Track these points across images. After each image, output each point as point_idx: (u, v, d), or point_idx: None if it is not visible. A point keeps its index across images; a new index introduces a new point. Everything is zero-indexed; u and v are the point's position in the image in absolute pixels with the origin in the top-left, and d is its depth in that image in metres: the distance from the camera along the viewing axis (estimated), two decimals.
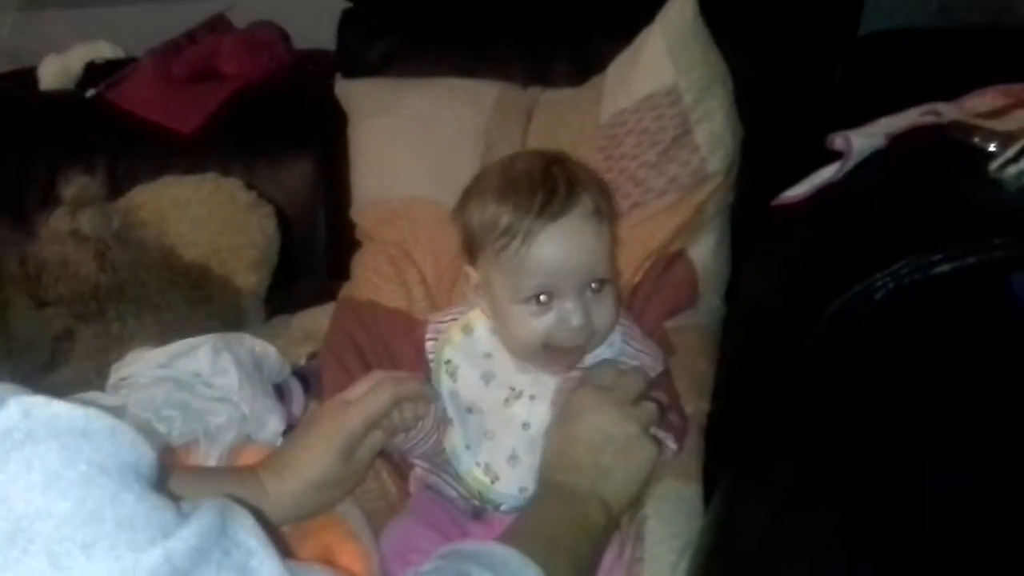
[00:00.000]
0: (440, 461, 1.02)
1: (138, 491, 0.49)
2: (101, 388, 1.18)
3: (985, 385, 0.69)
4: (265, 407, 1.12)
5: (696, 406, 1.06)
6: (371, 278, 1.34)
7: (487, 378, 1.01)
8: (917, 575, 0.59)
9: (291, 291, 1.62)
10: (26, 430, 0.46)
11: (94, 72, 1.88)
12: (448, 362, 1.03)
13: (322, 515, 0.98)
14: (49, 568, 0.46)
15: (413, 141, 1.42)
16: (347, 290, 1.37)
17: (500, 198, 0.96)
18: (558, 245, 0.93)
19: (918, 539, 0.60)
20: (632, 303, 1.20)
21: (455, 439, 1.01)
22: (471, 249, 1.00)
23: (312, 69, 1.86)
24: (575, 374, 0.97)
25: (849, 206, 1.03)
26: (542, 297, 0.95)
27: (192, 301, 1.42)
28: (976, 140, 0.99)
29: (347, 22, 1.71)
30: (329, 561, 0.95)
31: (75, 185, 1.38)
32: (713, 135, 1.23)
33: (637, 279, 1.21)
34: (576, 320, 0.94)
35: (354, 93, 1.54)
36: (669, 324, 1.19)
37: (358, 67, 1.66)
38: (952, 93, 1.13)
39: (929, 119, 1.09)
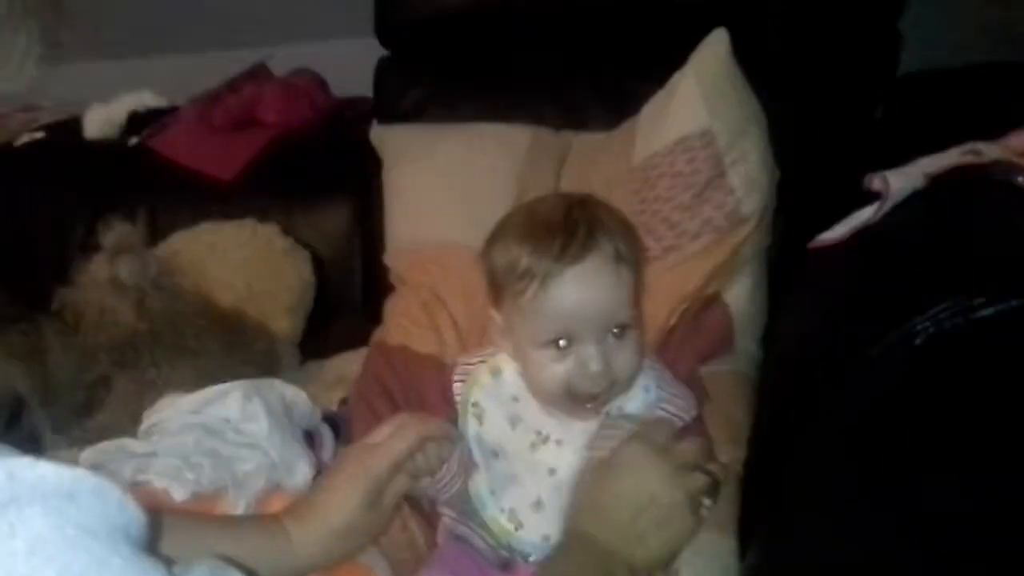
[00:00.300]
0: (468, 509, 1.00)
1: (127, 555, 0.47)
2: (134, 434, 1.18)
3: None
4: (294, 454, 1.11)
5: (731, 455, 1.03)
6: (403, 323, 1.33)
7: (513, 422, 1.00)
8: None
9: (327, 335, 1.63)
10: (10, 493, 0.44)
11: (137, 121, 1.92)
12: (475, 404, 1.02)
13: (347, 564, 0.96)
14: None
15: (447, 186, 1.42)
16: (379, 335, 1.37)
17: (521, 241, 0.95)
18: (576, 290, 0.92)
19: None
20: (667, 348, 1.18)
21: (480, 484, 0.99)
22: (495, 292, 0.99)
23: (349, 116, 1.88)
24: (625, 425, 0.94)
25: (887, 248, 1.00)
26: (561, 342, 0.93)
27: (227, 346, 1.43)
28: (1019, 179, 0.97)
29: (384, 69, 1.74)
30: None
31: (115, 232, 1.40)
32: (748, 177, 1.22)
33: (672, 323, 1.19)
34: (596, 366, 0.92)
35: (389, 139, 1.56)
36: (704, 370, 1.16)
37: (394, 113, 1.68)
38: (993, 131, 1.10)
39: (970, 158, 1.06)
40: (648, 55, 1.42)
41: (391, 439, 0.95)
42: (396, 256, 1.45)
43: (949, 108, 1.35)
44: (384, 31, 1.69)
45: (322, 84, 1.95)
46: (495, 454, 1.00)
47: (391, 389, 1.24)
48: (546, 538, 0.94)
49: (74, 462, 1.12)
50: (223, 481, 1.08)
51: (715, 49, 1.24)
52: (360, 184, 1.67)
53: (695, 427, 1.00)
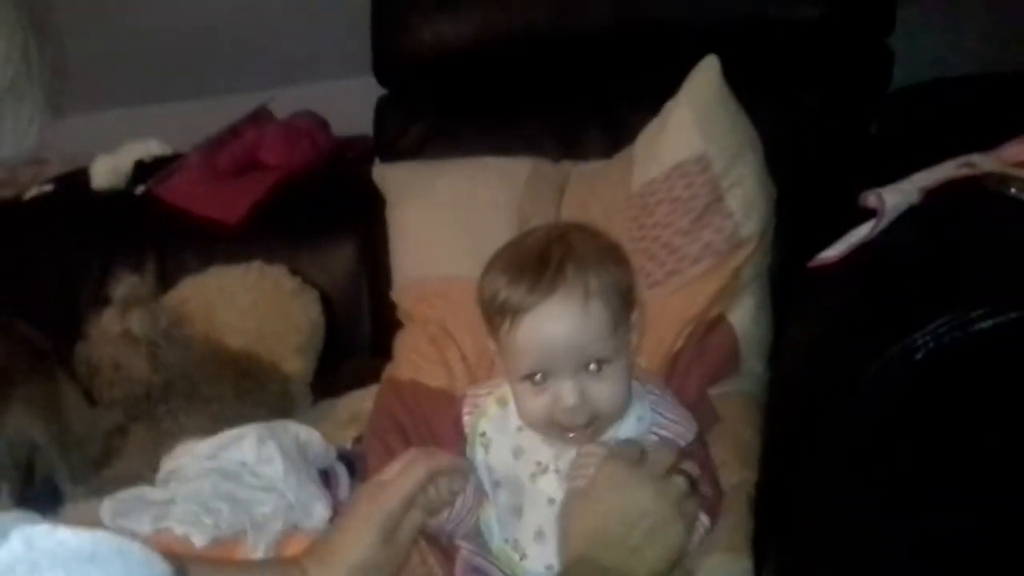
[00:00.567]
0: (481, 541, 1.01)
1: None
2: (152, 482, 1.20)
3: None
4: (311, 494, 1.13)
5: (741, 476, 1.04)
6: (412, 358, 1.35)
7: (517, 453, 1.01)
8: None
9: (338, 374, 1.64)
10: (30, 562, 0.44)
11: (143, 169, 1.94)
12: (483, 435, 1.03)
13: None
14: None
15: (449, 221, 1.44)
16: (389, 371, 1.38)
17: (501, 274, 0.96)
18: (542, 327, 0.92)
19: None
20: (674, 371, 1.18)
21: (488, 514, 1.00)
22: (486, 322, 1.00)
23: (351, 155, 1.91)
24: (596, 449, 0.95)
25: (885, 264, 1.01)
26: (537, 377, 0.94)
27: (240, 391, 1.44)
28: (1012, 191, 0.98)
29: (383, 108, 1.76)
30: None
31: (124, 284, 1.41)
32: (745, 200, 1.23)
33: (678, 347, 1.20)
34: (570, 401, 0.92)
35: (390, 177, 1.57)
36: (712, 392, 1.17)
37: (396, 151, 1.70)
38: (988, 143, 1.11)
39: (964, 171, 1.07)
40: (642, 83, 1.44)
41: (402, 475, 0.96)
42: (402, 292, 1.47)
43: (943, 121, 1.36)
44: (382, 70, 1.71)
45: (323, 124, 1.97)
46: (499, 484, 1.01)
47: (404, 424, 1.25)
48: (549, 568, 0.95)
49: (94, 512, 1.14)
50: (242, 525, 1.09)
51: (707, 75, 1.26)
52: (364, 222, 1.69)
53: (696, 450, 1.00)
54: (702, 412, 1.12)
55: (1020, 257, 0.90)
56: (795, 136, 1.43)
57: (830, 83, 1.51)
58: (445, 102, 1.70)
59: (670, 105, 1.29)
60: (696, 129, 1.24)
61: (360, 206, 1.68)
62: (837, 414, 0.85)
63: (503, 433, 1.02)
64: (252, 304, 1.60)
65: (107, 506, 1.13)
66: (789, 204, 1.30)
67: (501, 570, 1.00)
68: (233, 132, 1.97)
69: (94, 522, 1.12)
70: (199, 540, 1.07)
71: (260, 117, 2.02)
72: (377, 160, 1.69)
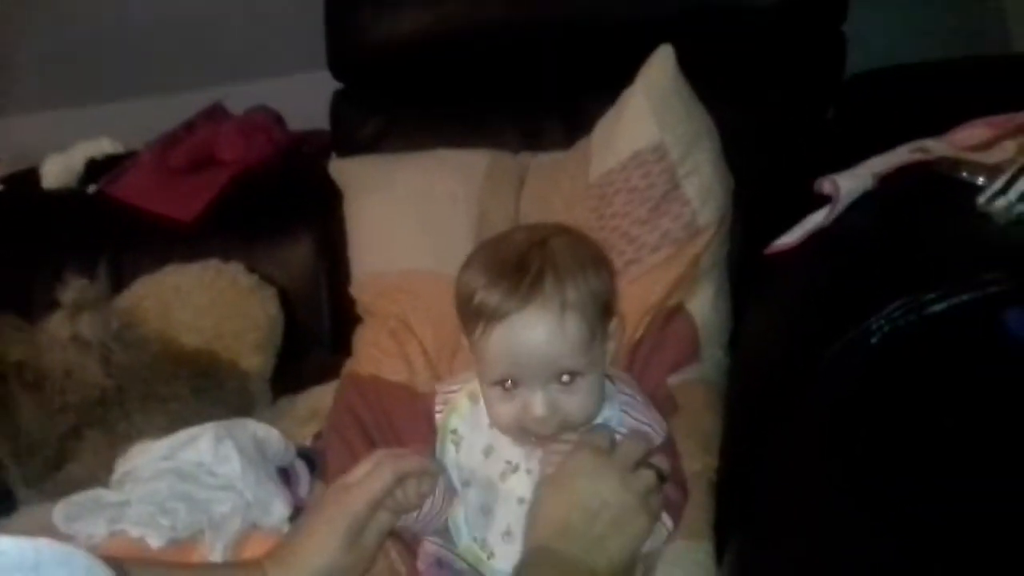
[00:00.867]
0: (449, 537, 1.01)
1: None
2: (106, 483, 1.18)
3: (983, 424, 0.67)
4: (269, 492, 1.12)
5: (704, 463, 1.04)
6: (372, 353, 1.34)
7: (487, 451, 1.00)
8: None
9: (297, 370, 1.62)
10: None
11: (95, 168, 1.91)
12: (454, 431, 1.02)
13: None
14: None
15: (407, 215, 1.42)
16: (349, 366, 1.37)
17: (479, 275, 0.94)
18: (515, 337, 0.91)
19: None
20: (633, 360, 1.18)
21: (457, 512, 0.99)
22: (460, 320, 0.99)
23: (307, 150, 1.89)
24: (570, 435, 0.94)
25: (840, 250, 1.02)
26: (507, 383, 0.93)
27: (197, 390, 1.42)
28: (963, 175, 0.99)
29: (339, 102, 1.74)
30: None
31: (73, 288, 1.38)
32: (702, 188, 1.23)
33: (637, 336, 1.20)
34: (539, 411, 0.91)
35: (347, 171, 1.56)
36: (673, 380, 1.17)
37: (353, 145, 1.68)
38: (940, 128, 1.12)
39: (917, 156, 1.08)
40: (600, 74, 1.44)
41: (368, 478, 0.94)
42: (361, 287, 1.45)
43: (897, 106, 1.38)
44: (337, 64, 1.70)
45: (279, 120, 1.95)
46: (469, 483, 1.00)
47: (364, 420, 1.24)
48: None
49: (47, 516, 1.12)
50: (199, 525, 1.08)
51: (662, 64, 1.26)
52: (322, 217, 1.67)
53: (664, 451, 0.98)
54: (661, 402, 1.12)
55: (971, 240, 0.91)
56: (751, 124, 1.43)
57: (785, 71, 1.51)
58: (402, 95, 1.69)
59: (626, 95, 1.29)
60: (652, 118, 1.24)
61: (317, 201, 1.66)
62: (796, 399, 0.85)
63: (475, 430, 1.01)
64: (209, 302, 1.58)
65: (60, 509, 1.11)
66: (746, 191, 1.30)
67: (467, 563, 0.99)
68: (187, 129, 1.94)
69: (47, 526, 1.10)
70: (156, 542, 1.05)
71: (215, 113, 1.99)
72: (334, 155, 1.67)
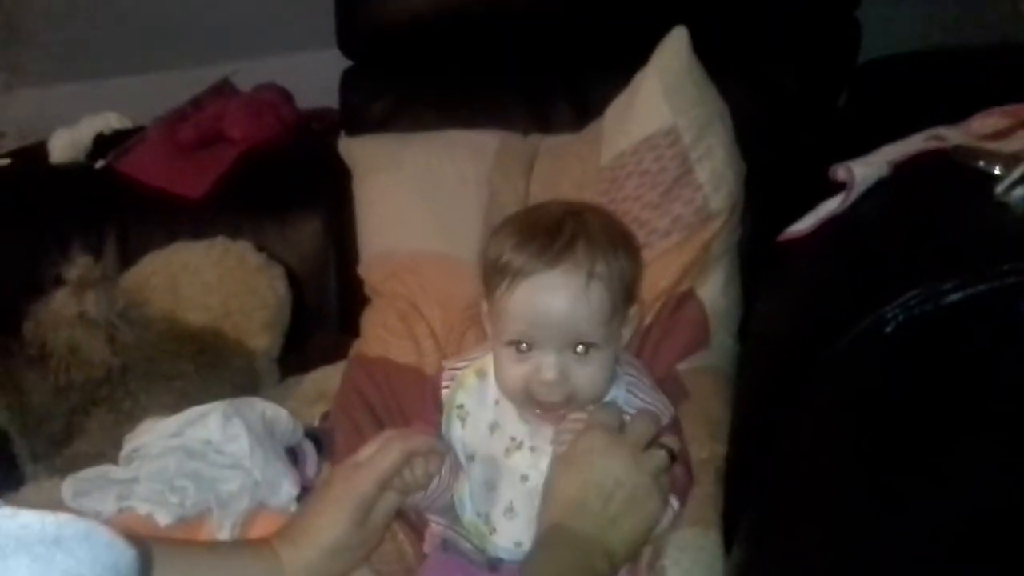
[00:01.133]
0: (455, 515, 1.01)
1: None
2: (114, 459, 1.18)
3: (1000, 415, 0.67)
4: (277, 471, 1.11)
5: (712, 450, 1.04)
6: (380, 334, 1.33)
7: (493, 427, 1.01)
8: None
9: (304, 350, 1.62)
10: None
11: (103, 143, 1.90)
12: (460, 407, 1.03)
13: None
14: None
15: (416, 195, 1.42)
16: (357, 347, 1.37)
17: (509, 237, 0.95)
18: (539, 295, 0.92)
19: None
20: (643, 346, 1.18)
21: (462, 487, 1.00)
22: (484, 282, 0.99)
23: (316, 128, 1.88)
24: (580, 415, 0.95)
25: (855, 238, 1.01)
26: (522, 345, 0.94)
27: (202, 367, 1.42)
28: (980, 163, 0.97)
29: (349, 80, 1.74)
30: None
31: (78, 266, 1.37)
32: (715, 173, 1.22)
33: (647, 321, 1.20)
34: (550, 375, 0.92)
35: (356, 150, 1.55)
36: (682, 366, 1.17)
37: (361, 124, 1.68)
38: (956, 116, 1.11)
39: (932, 144, 1.07)
40: (611, 55, 1.43)
41: (376, 457, 0.95)
42: (370, 267, 1.45)
43: (912, 94, 1.36)
44: (347, 42, 1.69)
45: (288, 97, 1.95)
46: (473, 458, 1.00)
47: (372, 401, 1.24)
48: (518, 544, 0.95)
49: (55, 491, 1.12)
50: (207, 503, 1.08)
51: (675, 47, 1.25)
52: (331, 196, 1.66)
53: (668, 431, 0.99)
54: (671, 387, 1.12)
55: (989, 230, 0.90)
56: (764, 109, 1.43)
57: (798, 56, 1.51)
58: (412, 74, 1.68)
59: (639, 77, 1.28)
60: (665, 101, 1.23)
61: (326, 180, 1.65)
62: (807, 387, 0.85)
63: (481, 405, 1.02)
64: (217, 280, 1.57)
65: (69, 485, 1.11)
66: (758, 178, 1.30)
67: (471, 542, 0.99)
68: (196, 105, 1.94)
69: (55, 501, 1.11)
70: (164, 519, 1.05)
71: (223, 90, 1.99)
72: (343, 133, 1.66)
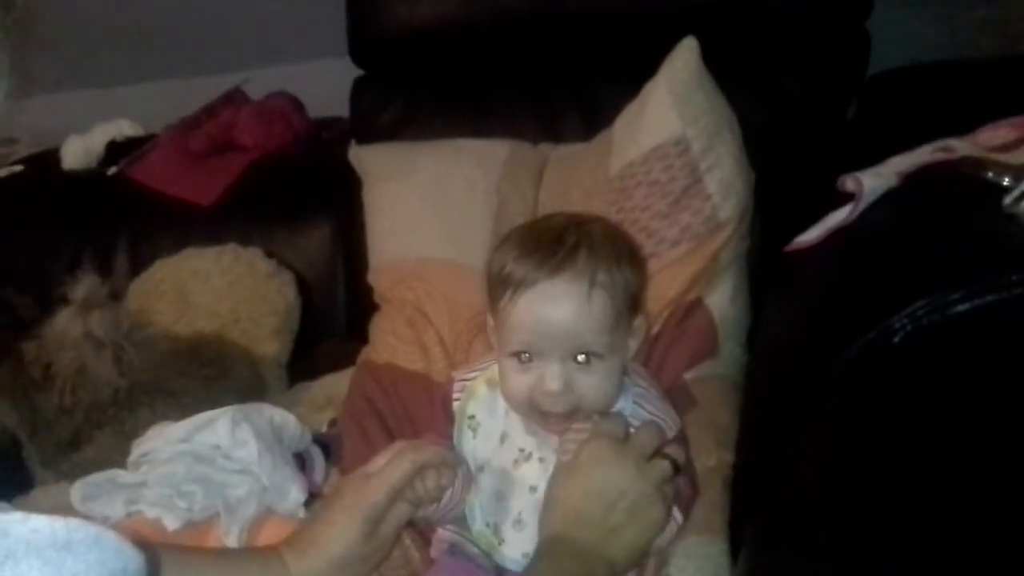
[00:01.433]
0: (465, 524, 1.01)
1: None
2: (123, 465, 1.18)
3: (1007, 426, 0.67)
4: (285, 477, 1.12)
5: (719, 458, 1.04)
6: (389, 340, 1.34)
7: (503, 437, 1.00)
8: None
9: (313, 356, 1.63)
10: (5, 550, 0.44)
11: (115, 150, 1.92)
12: (472, 417, 1.03)
13: None
14: None
15: (425, 203, 1.43)
16: (365, 354, 1.37)
17: (513, 248, 0.95)
18: (540, 305, 0.92)
19: None
20: (651, 355, 1.18)
21: (472, 497, 1.00)
22: (488, 294, 0.99)
23: (327, 136, 1.89)
24: (584, 424, 0.94)
25: (863, 248, 1.01)
26: (524, 355, 0.94)
27: (207, 380, 1.42)
28: (989, 175, 0.98)
29: (359, 89, 1.75)
30: None
31: (83, 286, 1.36)
32: (724, 183, 1.23)
33: (656, 330, 1.20)
34: (553, 385, 0.92)
35: (366, 158, 1.56)
36: (690, 375, 1.17)
37: (372, 132, 1.68)
38: (964, 128, 1.11)
39: (941, 155, 1.07)
40: (620, 65, 1.43)
41: (387, 468, 0.94)
42: (379, 274, 1.46)
43: (921, 105, 1.36)
44: (358, 51, 1.70)
45: (299, 106, 1.96)
46: (483, 469, 1.00)
47: (380, 408, 1.24)
48: (526, 555, 0.94)
49: (64, 495, 1.12)
50: (215, 508, 1.08)
51: (685, 57, 1.26)
52: (340, 204, 1.67)
53: (674, 443, 0.98)
54: (678, 396, 1.12)
55: (996, 241, 0.90)
56: (773, 120, 1.43)
57: (808, 67, 1.51)
58: (422, 83, 1.69)
59: (649, 87, 1.28)
60: (674, 111, 1.23)
61: (336, 188, 1.66)
62: (814, 397, 0.85)
63: (492, 416, 1.02)
64: (227, 286, 1.59)
65: (78, 489, 1.12)
66: (767, 188, 1.30)
67: (480, 548, 0.99)
68: (207, 113, 1.95)
69: (64, 506, 1.11)
70: (172, 524, 1.06)
71: (235, 98, 2.00)
72: (353, 142, 1.67)
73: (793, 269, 1.12)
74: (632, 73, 1.34)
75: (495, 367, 1.03)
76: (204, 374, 1.43)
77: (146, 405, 1.35)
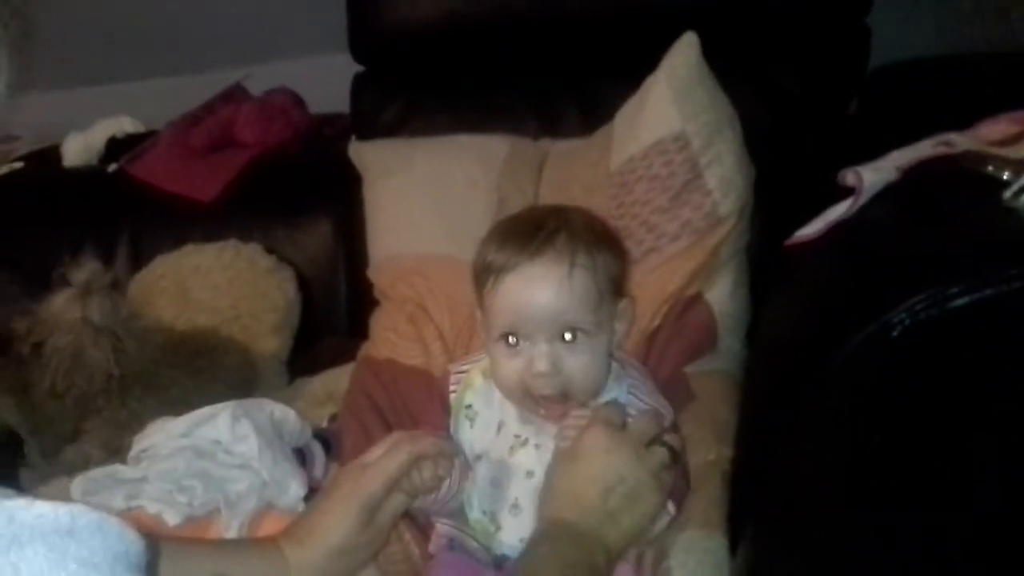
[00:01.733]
0: (462, 515, 1.02)
1: None
2: (123, 459, 1.19)
3: (1005, 420, 0.67)
4: (285, 472, 1.12)
5: (718, 452, 1.04)
6: (389, 336, 1.34)
7: (499, 426, 1.02)
8: None
9: (314, 352, 1.63)
10: (10, 535, 0.45)
11: (116, 147, 1.93)
12: (468, 407, 1.04)
13: None
14: None
15: (425, 199, 1.43)
16: (366, 349, 1.38)
17: (495, 238, 0.99)
18: (522, 286, 0.94)
19: None
20: (651, 349, 1.18)
21: (469, 486, 1.00)
22: (475, 287, 1.02)
23: (327, 133, 1.89)
24: (583, 411, 0.96)
25: (863, 242, 1.01)
26: (511, 339, 0.96)
27: (196, 372, 1.42)
28: (989, 169, 0.97)
29: (359, 85, 1.75)
30: None
31: (85, 270, 1.36)
32: (724, 178, 1.22)
33: (655, 325, 1.20)
34: (541, 366, 0.94)
35: (366, 154, 1.56)
36: (689, 369, 1.17)
37: (373, 129, 1.69)
38: (965, 122, 1.11)
39: (941, 150, 1.07)
40: (620, 60, 1.43)
41: (384, 458, 0.95)
42: (379, 270, 1.46)
43: (921, 100, 1.36)
44: (358, 47, 1.70)
45: (299, 102, 1.96)
46: (480, 457, 1.01)
47: (380, 403, 1.25)
48: (523, 541, 0.95)
49: (65, 490, 1.13)
50: (215, 503, 1.08)
51: (685, 52, 1.25)
52: (341, 200, 1.67)
53: (670, 432, 0.99)
54: (677, 390, 1.12)
55: (996, 235, 0.90)
56: (773, 115, 1.43)
57: (808, 62, 1.51)
58: (422, 79, 1.69)
59: (649, 82, 1.28)
60: (674, 107, 1.23)
61: (336, 184, 1.66)
62: (813, 392, 0.85)
63: (488, 406, 1.03)
64: (227, 282, 1.59)
65: (78, 484, 1.12)
66: (767, 182, 1.29)
67: (477, 541, 1.00)
68: (208, 109, 1.95)
69: (64, 500, 1.11)
70: (172, 519, 1.06)
71: (235, 94, 2.00)
72: (354, 138, 1.67)
73: (793, 264, 1.12)
74: (632, 70, 1.33)
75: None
76: (195, 365, 1.43)
77: (137, 397, 1.35)
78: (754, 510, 0.91)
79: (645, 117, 1.26)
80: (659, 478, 0.91)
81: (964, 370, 0.74)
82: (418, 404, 1.20)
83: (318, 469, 1.20)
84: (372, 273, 1.47)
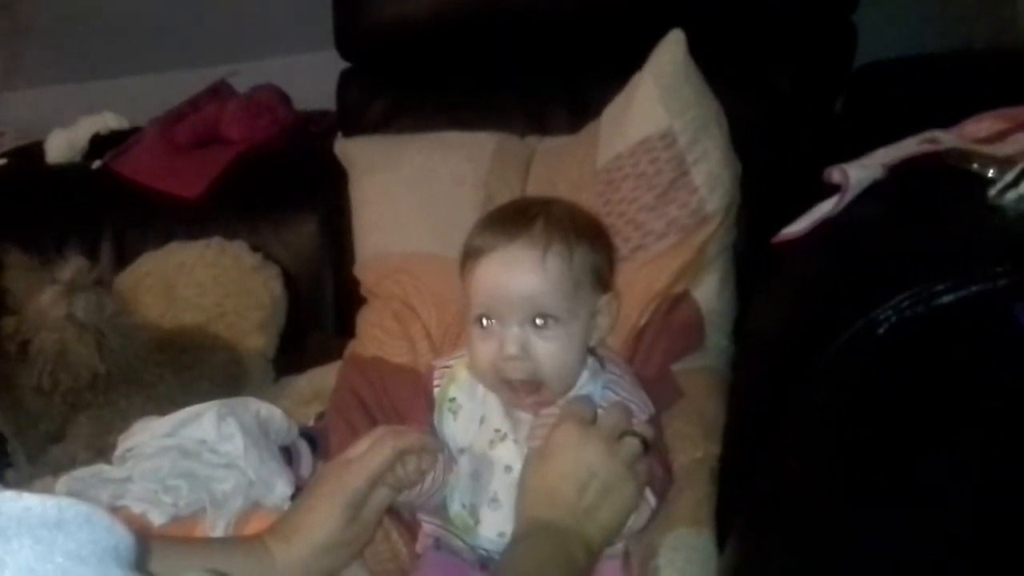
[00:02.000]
0: (445, 512, 1.01)
1: None
2: (108, 459, 1.18)
3: (991, 416, 0.67)
4: (272, 471, 1.11)
5: (706, 450, 1.04)
6: (376, 334, 1.34)
7: (481, 420, 1.02)
8: None
9: (300, 350, 1.62)
10: None
11: (100, 143, 1.91)
12: (452, 400, 1.04)
13: None
14: None
15: (412, 196, 1.42)
16: (352, 347, 1.37)
17: (481, 223, 1.02)
18: (496, 269, 0.96)
19: None
20: (638, 346, 1.18)
21: (452, 479, 1.01)
22: (461, 278, 1.03)
23: (313, 130, 1.88)
24: (552, 410, 0.97)
25: (849, 239, 1.01)
26: (484, 320, 0.97)
27: (182, 370, 1.41)
28: (974, 166, 0.98)
29: (346, 82, 1.74)
30: None
31: (70, 267, 1.35)
32: (710, 175, 1.22)
33: (642, 322, 1.20)
34: (510, 348, 0.95)
35: (352, 151, 1.56)
36: (677, 367, 1.17)
37: (359, 125, 1.68)
38: (950, 120, 1.11)
39: (927, 147, 1.07)
40: (607, 57, 1.43)
41: (368, 453, 0.95)
42: (365, 268, 1.45)
43: (907, 97, 1.37)
44: (344, 44, 1.69)
45: (285, 99, 1.95)
46: (461, 451, 1.02)
47: (367, 401, 1.24)
48: (502, 535, 0.96)
49: (50, 490, 1.12)
50: (201, 502, 1.08)
51: (672, 49, 1.25)
52: (327, 197, 1.67)
53: (647, 426, 1.00)
54: (665, 387, 1.12)
55: (981, 232, 0.91)
56: (760, 112, 1.43)
57: (795, 60, 1.51)
58: (408, 76, 1.68)
59: (635, 80, 1.28)
60: (661, 104, 1.23)
61: (323, 181, 1.66)
62: (800, 389, 0.85)
63: (471, 399, 1.03)
64: (212, 280, 1.58)
65: (63, 484, 1.11)
66: (754, 180, 1.30)
67: (459, 537, 1.00)
68: (193, 106, 1.94)
69: None
70: (157, 519, 1.05)
71: (220, 91, 1.99)
72: (340, 135, 1.66)
73: (779, 261, 1.12)
74: (620, 66, 1.33)
75: None
76: (180, 362, 1.42)
77: (122, 394, 1.34)
78: (742, 507, 0.91)
79: (632, 114, 1.26)
80: (633, 469, 0.91)
81: (950, 367, 0.74)
82: (405, 402, 1.20)
83: (304, 468, 1.19)
84: (358, 271, 1.47)
